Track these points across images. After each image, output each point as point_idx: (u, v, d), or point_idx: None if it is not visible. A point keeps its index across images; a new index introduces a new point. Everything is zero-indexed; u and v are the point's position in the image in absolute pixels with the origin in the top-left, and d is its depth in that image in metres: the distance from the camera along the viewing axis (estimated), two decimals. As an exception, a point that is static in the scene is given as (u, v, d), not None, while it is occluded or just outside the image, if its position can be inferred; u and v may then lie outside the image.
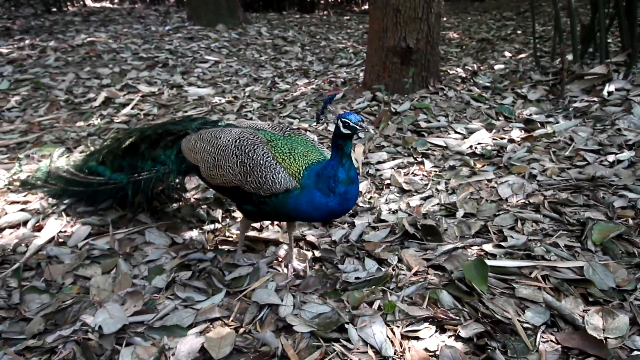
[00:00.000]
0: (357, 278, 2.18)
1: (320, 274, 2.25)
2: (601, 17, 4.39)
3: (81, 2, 11.33)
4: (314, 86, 5.48)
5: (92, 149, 3.21)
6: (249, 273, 2.27)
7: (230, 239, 2.61)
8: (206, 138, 2.27)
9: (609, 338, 1.71)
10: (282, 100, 5.09)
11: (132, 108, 4.88)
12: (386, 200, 2.94)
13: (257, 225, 2.72)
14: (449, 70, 5.50)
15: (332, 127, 3.89)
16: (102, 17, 9.80)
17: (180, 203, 2.88)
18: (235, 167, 2.08)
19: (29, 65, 6.35)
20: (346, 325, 1.86)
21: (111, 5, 11.37)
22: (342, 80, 5.59)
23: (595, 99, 4.03)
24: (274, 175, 2.00)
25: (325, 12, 12.19)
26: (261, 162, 2.03)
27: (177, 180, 2.57)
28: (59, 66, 6.31)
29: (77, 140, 4.12)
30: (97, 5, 11.35)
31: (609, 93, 4.02)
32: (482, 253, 2.29)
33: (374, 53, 4.76)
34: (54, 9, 10.40)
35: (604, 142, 3.29)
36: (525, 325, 1.80)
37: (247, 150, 2.08)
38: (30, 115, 4.77)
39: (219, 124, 2.63)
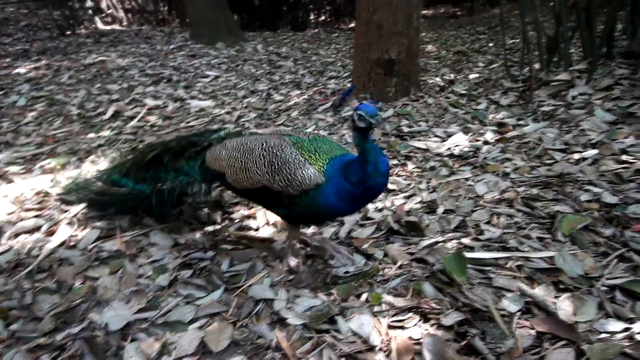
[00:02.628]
0: (346, 272, 2.13)
1: (312, 269, 2.19)
2: (564, 30, 4.38)
3: (93, 26, 11.21)
4: (305, 97, 5.43)
5: (114, 162, 3.05)
6: (246, 270, 2.21)
7: (229, 239, 2.55)
8: (231, 146, 2.15)
9: (579, 322, 1.66)
10: (276, 110, 5.04)
11: (139, 120, 4.80)
12: (372, 199, 2.89)
13: (253, 224, 2.67)
14: (428, 80, 5.47)
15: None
16: (112, 38, 9.69)
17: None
18: (263, 167, 1.94)
19: (45, 83, 6.26)
20: (336, 317, 1.80)
21: (120, 28, 11.24)
22: (331, 90, 5.55)
23: (561, 103, 4.00)
24: (302, 172, 1.86)
25: (315, 30, 12.15)
26: (289, 159, 1.90)
27: (203, 189, 2.46)
28: (72, 83, 6.23)
29: (88, 151, 4.05)
30: (108, 27, 11.22)
31: (573, 97, 3.98)
32: (461, 246, 2.24)
33: (360, 65, 4.72)
34: (68, 32, 10.26)
35: (570, 142, 3.25)
36: (502, 312, 1.76)
37: (274, 151, 1.95)
38: (46, 129, 4.69)
39: (242, 133, 2.48)
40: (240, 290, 2.06)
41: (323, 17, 13.70)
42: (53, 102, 5.44)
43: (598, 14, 4.43)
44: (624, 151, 2.93)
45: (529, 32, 4.72)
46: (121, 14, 11.85)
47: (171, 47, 8.51)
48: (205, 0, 8.51)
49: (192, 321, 1.88)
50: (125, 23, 11.79)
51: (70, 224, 2.71)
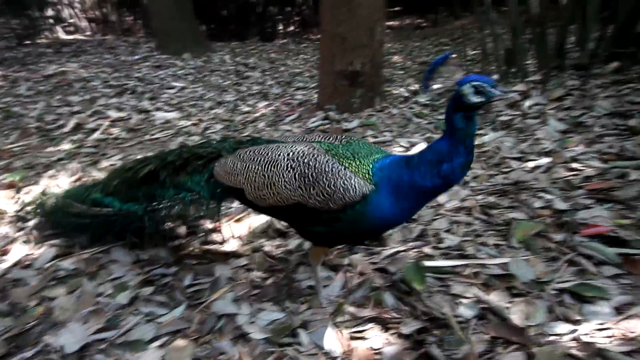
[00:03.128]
0: (309, 286, 2.15)
1: (277, 282, 2.20)
2: (520, 42, 4.59)
3: (54, 35, 10.91)
4: (272, 108, 5.45)
5: (94, 179, 2.69)
6: (209, 285, 2.20)
7: (193, 253, 2.53)
8: (248, 157, 1.87)
9: (530, 326, 1.74)
10: (244, 121, 5.04)
11: (102, 133, 4.70)
12: (337, 210, 2.92)
13: (218, 238, 2.65)
14: (393, 91, 5.59)
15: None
16: (74, 48, 9.46)
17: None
18: (293, 181, 1.67)
19: (1, 95, 6.04)
20: (298, 330, 1.82)
21: (83, 37, 10.99)
22: (298, 101, 5.59)
23: (518, 112, 4.17)
24: (344, 182, 1.60)
25: (284, 41, 12.22)
26: (326, 169, 1.63)
27: (211, 206, 2.17)
28: (31, 95, 6.04)
29: (47, 165, 3.93)
30: (70, 37, 10.95)
31: (529, 107, 4.17)
32: (422, 255, 2.30)
33: (325, 76, 4.79)
34: (27, 42, 9.97)
35: (525, 150, 3.39)
36: (459, 319, 1.82)
37: (305, 161, 1.69)
38: (1, 143, 4.52)
39: (258, 141, 2.16)
40: (203, 305, 2.05)
41: (291, 28, 13.82)
42: (9, 115, 5.26)
43: (551, 27, 4.67)
44: (574, 159, 3.08)
45: (488, 44, 4.92)
46: (84, 23, 11.60)
47: (136, 57, 8.39)
48: (172, 10, 8.45)
49: (152, 340, 1.86)
50: (88, 32, 11.54)
51: (26, 242, 2.62)
